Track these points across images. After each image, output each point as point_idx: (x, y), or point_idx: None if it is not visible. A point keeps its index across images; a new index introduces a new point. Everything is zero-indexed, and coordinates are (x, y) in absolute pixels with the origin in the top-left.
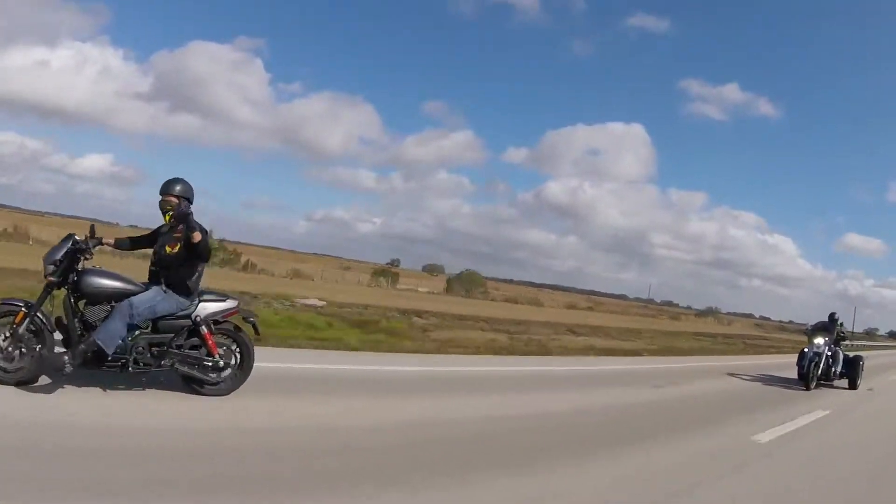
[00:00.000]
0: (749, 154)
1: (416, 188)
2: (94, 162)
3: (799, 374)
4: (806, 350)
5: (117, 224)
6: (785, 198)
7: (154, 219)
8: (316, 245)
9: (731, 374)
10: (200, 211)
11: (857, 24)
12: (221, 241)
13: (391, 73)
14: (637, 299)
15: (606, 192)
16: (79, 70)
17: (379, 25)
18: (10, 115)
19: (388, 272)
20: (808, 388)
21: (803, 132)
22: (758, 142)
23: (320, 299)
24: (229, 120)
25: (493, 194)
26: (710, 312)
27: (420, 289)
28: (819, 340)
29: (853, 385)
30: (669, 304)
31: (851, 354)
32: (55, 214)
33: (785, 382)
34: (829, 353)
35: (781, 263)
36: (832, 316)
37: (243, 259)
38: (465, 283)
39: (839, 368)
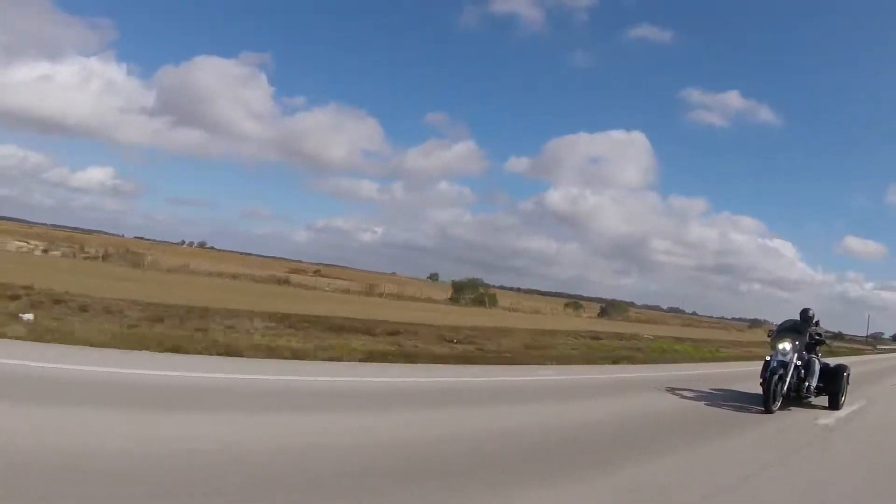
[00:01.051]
0: (749, 160)
1: (418, 198)
2: (95, 175)
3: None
4: (769, 359)
5: (122, 235)
6: (785, 202)
7: (152, 229)
8: (315, 255)
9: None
10: (199, 221)
11: (856, 29)
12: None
13: (395, 85)
14: (671, 309)
15: (608, 199)
16: (83, 85)
17: (383, 39)
18: (12, 129)
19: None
20: (768, 411)
21: (803, 137)
22: (758, 148)
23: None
24: (232, 133)
25: (495, 203)
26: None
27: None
28: (784, 346)
29: (834, 403)
30: (679, 311)
31: (833, 363)
32: (56, 227)
33: (744, 401)
34: (801, 363)
35: (782, 267)
36: (805, 313)
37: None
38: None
39: (815, 382)
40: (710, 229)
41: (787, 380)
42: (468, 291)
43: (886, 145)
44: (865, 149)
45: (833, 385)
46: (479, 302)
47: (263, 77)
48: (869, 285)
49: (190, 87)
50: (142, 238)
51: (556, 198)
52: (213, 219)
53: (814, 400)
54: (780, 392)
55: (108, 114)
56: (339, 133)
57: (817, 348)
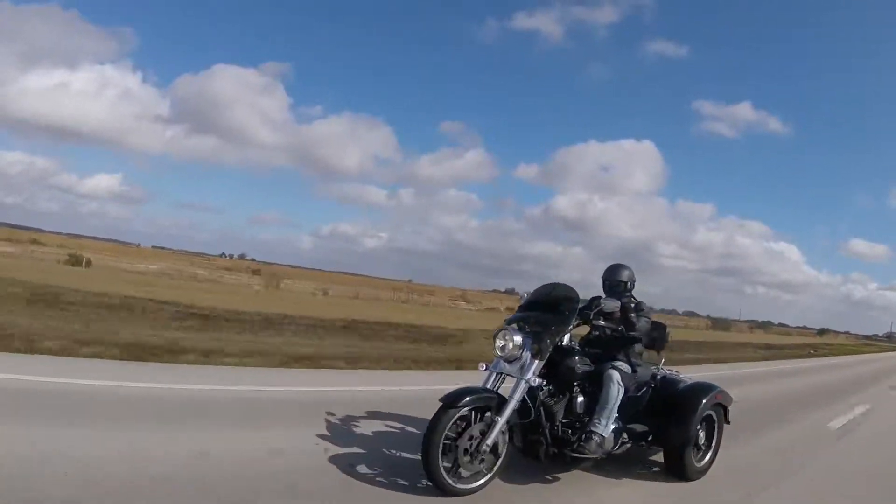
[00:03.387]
0: (757, 167)
1: (426, 204)
2: (103, 181)
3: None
4: (483, 367)
5: (139, 245)
6: (790, 206)
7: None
8: (320, 260)
9: None
10: (204, 226)
11: (862, 40)
12: None
13: (412, 96)
14: (687, 313)
15: (616, 205)
16: (98, 92)
17: (404, 51)
18: (25, 136)
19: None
20: (445, 491)
21: (810, 144)
22: (766, 156)
23: None
24: (246, 141)
25: (503, 210)
26: (764, 325)
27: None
28: (509, 341)
29: (676, 466)
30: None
31: (689, 380)
32: (57, 233)
33: None
34: (577, 383)
35: (787, 270)
36: (613, 275)
37: None
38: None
39: (608, 419)
40: (717, 233)
41: (503, 420)
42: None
43: (891, 149)
44: (870, 153)
45: (676, 426)
46: None
47: (281, 86)
48: (873, 286)
49: (206, 95)
50: (162, 248)
51: (563, 204)
52: (219, 225)
53: (614, 449)
54: (480, 451)
55: (123, 121)
56: (353, 141)
57: (631, 349)
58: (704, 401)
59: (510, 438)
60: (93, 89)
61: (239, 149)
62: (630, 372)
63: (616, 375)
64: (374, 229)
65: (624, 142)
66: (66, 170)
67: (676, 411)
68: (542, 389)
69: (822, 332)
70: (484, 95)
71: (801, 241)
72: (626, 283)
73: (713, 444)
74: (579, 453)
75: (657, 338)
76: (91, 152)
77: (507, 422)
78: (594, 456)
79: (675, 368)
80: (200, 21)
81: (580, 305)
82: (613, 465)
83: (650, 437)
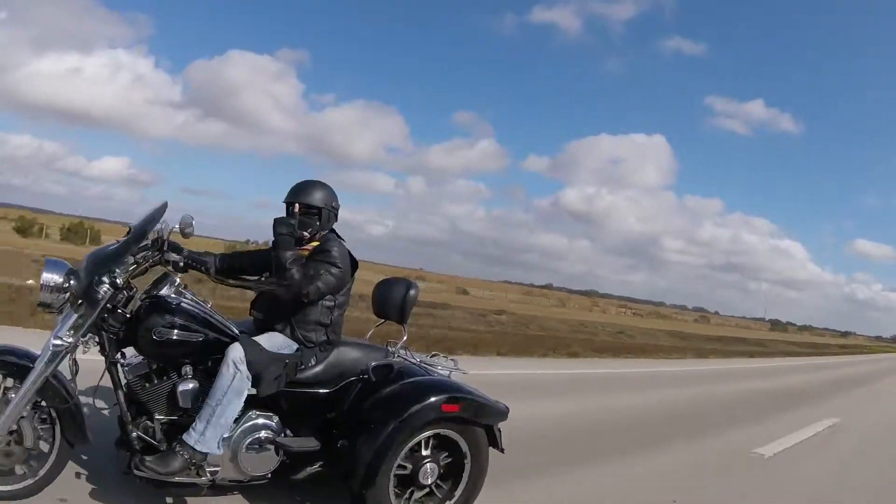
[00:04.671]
0: (766, 164)
1: (434, 193)
2: (110, 165)
3: None
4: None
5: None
6: (798, 205)
7: None
8: None
9: None
10: (209, 211)
11: (874, 41)
12: None
13: (427, 86)
14: (697, 308)
15: (624, 198)
16: (111, 77)
17: (421, 42)
18: (32, 119)
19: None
20: None
21: (821, 144)
22: (776, 153)
23: None
24: (257, 127)
25: (510, 200)
26: (778, 325)
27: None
28: (46, 280)
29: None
30: (703, 310)
31: (424, 375)
32: (61, 214)
33: None
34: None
35: (792, 267)
36: (298, 196)
37: None
38: None
39: (206, 423)
40: (723, 229)
41: (20, 398)
42: None
43: None
44: (879, 154)
45: (362, 448)
46: None
47: (294, 73)
48: (877, 286)
49: (219, 80)
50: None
51: (572, 196)
52: (224, 209)
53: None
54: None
55: (133, 105)
56: (364, 129)
57: (308, 313)
58: (416, 409)
59: (64, 429)
60: (105, 74)
61: (249, 135)
62: (287, 350)
63: (236, 354)
64: (380, 217)
65: (635, 135)
66: (74, 153)
67: (370, 424)
68: (126, 363)
69: (845, 334)
70: (498, 87)
71: (807, 240)
72: (319, 209)
73: (460, 488)
74: (143, 470)
75: (385, 303)
76: (100, 136)
77: (45, 404)
78: (171, 479)
79: (446, 355)
80: (218, 7)
81: (158, 228)
82: None
83: (319, 463)
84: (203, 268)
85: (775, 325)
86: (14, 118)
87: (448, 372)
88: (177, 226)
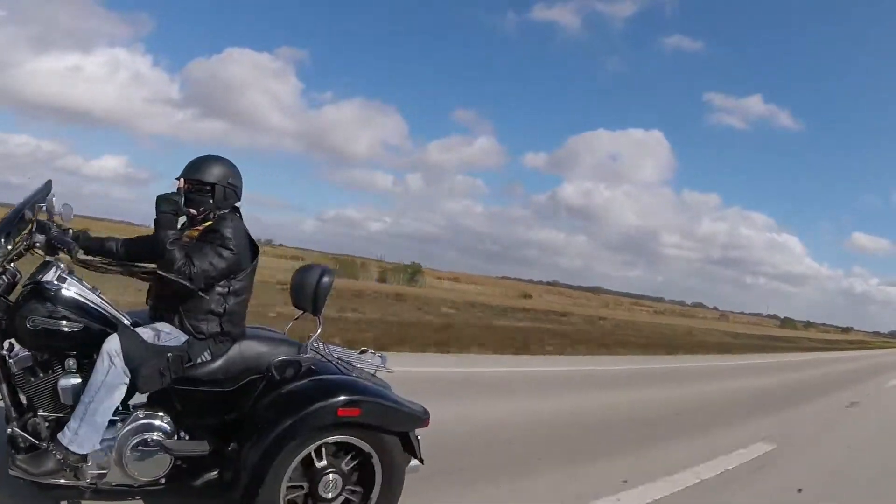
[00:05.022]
0: (764, 159)
1: (432, 190)
2: (108, 163)
3: None
4: None
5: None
6: (795, 199)
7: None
8: (321, 243)
9: None
10: None
11: (872, 37)
12: None
13: (427, 83)
14: (696, 304)
15: (622, 193)
16: (109, 76)
17: (422, 40)
18: (30, 118)
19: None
20: None
21: (818, 139)
22: (774, 148)
23: None
24: (256, 125)
25: (509, 196)
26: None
27: None
28: None
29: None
30: (701, 305)
31: (334, 373)
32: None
33: None
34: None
35: (789, 262)
36: (191, 173)
37: None
38: None
39: (80, 420)
40: (721, 224)
41: None
42: None
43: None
44: (876, 149)
45: (249, 452)
46: None
47: (293, 71)
48: (874, 280)
49: (217, 79)
50: None
51: (570, 191)
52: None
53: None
54: None
55: (132, 104)
56: (363, 127)
57: (198, 302)
58: (309, 412)
59: None
60: (103, 73)
61: (247, 133)
62: (173, 343)
63: (111, 346)
64: (378, 213)
65: (633, 131)
66: (72, 152)
67: (260, 426)
68: (13, 354)
69: (846, 329)
70: (497, 85)
71: (805, 234)
72: (213, 185)
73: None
74: (14, 470)
75: (299, 292)
76: (98, 135)
77: None
78: (45, 480)
79: (374, 351)
80: (217, 6)
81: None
82: None
83: (206, 470)
84: (66, 249)
85: (785, 322)
86: (11, 117)
87: (372, 371)
88: (44, 206)
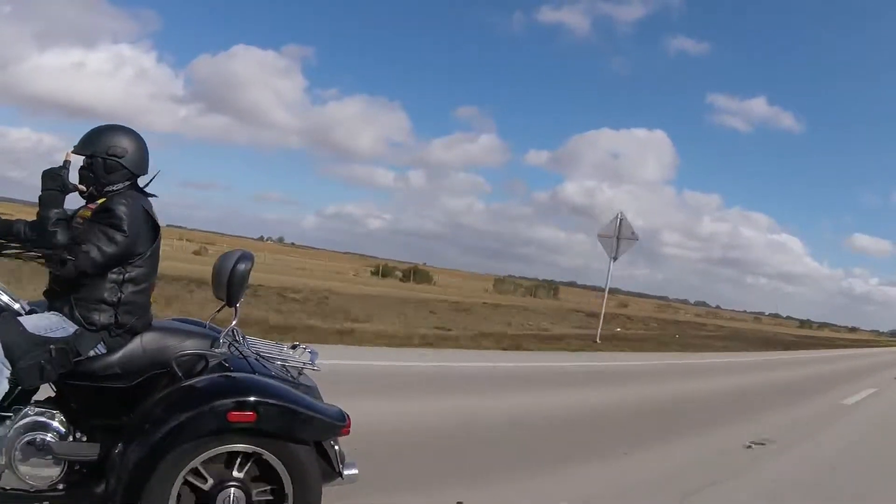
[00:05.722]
0: (766, 160)
1: (434, 187)
2: None
3: None
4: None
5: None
6: (796, 199)
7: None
8: (321, 240)
9: None
10: (207, 205)
11: (874, 39)
12: None
13: (432, 81)
14: (698, 303)
15: (623, 192)
16: (114, 72)
17: (428, 39)
18: (33, 113)
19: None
20: None
21: (821, 141)
22: (776, 150)
23: None
24: (260, 121)
25: (510, 194)
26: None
27: None
28: None
29: None
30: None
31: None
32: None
33: None
34: None
35: (789, 262)
36: (80, 145)
37: None
38: None
39: None
40: (722, 223)
41: None
42: None
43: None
44: (878, 150)
45: (131, 454)
46: None
47: (299, 68)
48: (874, 281)
49: (222, 75)
50: (215, 232)
51: (572, 190)
52: (224, 203)
53: None
54: None
55: (135, 100)
56: (366, 123)
57: (87, 290)
58: (193, 415)
59: None
60: (108, 69)
61: (251, 129)
62: (59, 333)
63: None
64: (379, 210)
65: (636, 130)
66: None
67: (143, 427)
68: None
69: (853, 329)
70: (501, 82)
71: (805, 234)
72: (101, 159)
73: None
74: None
75: (216, 280)
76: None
77: None
78: None
79: (306, 346)
80: (226, 4)
81: None
82: None
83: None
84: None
85: (803, 323)
86: (13, 112)
87: (300, 367)
88: None
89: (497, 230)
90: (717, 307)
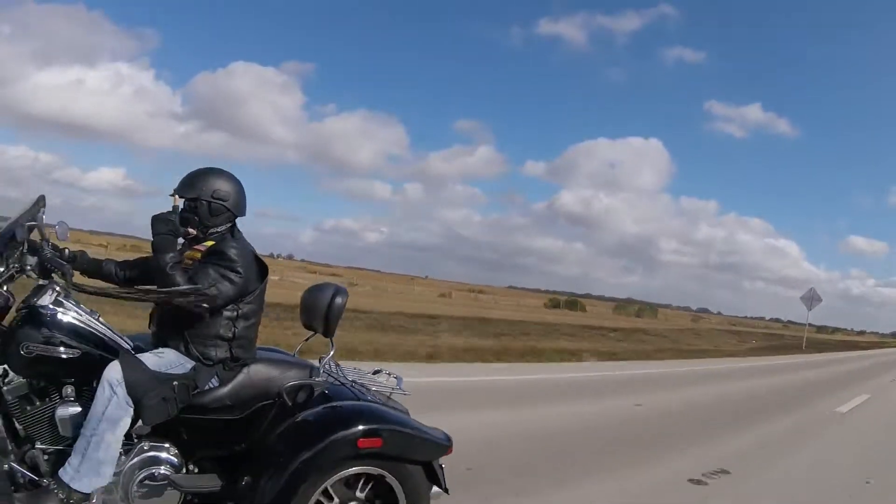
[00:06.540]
0: (762, 165)
1: (431, 200)
2: (106, 176)
3: None
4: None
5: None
6: (792, 204)
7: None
8: (318, 254)
9: None
10: None
11: (866, 43)
12: None
13: (431, 95)
14: (701, 310)
15: (620, 201)
16: (111, 91)
17: (426, 53)
18: (31, 131)
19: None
20: None
21: (817, 145)
22: (772, 155)
23: None
24: (258, 137)
25: (508, 205)
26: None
27: None
28: None
29: None
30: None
31: (350, 399)
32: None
33: None
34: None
35: (787, 266)
36: (182, 188)
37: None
38: None
39: (81, 456)
40: (719, 229)
41: None
42: None
43: (892, 148)
44: (871, 151)
45: (267, 486)
46: None
47: (297, 84)
48: (871, 282)
49: (221, 92)
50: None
51: (569, 199)
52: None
53: None
54: None
55: (134, 118)
56: (364, 138)
57: (205, 326)
58: (326, 445)
59: None
60: (107, 87)
61: (249, 145)
62: (178, 370)
63: (112, 375)
64: (376, 224)
65: (632, 139)
66: (70, 164)
67: (277, 459)
68: (6, 382)
69: (861, 332)
70: (501, 96)
71: (802, 238)
72: (206, 202)
73: None
74: None
75: (310, 312)
76: (99, 148)
77: None
78: None
79: (390, 372)
80: (223, 21)
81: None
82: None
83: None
84: (61, 271)
85: (820, 328)
86: (11, 130)
87: (389, 393)
88: (35, 223)
89: (495, 241)
90: (719, 313)
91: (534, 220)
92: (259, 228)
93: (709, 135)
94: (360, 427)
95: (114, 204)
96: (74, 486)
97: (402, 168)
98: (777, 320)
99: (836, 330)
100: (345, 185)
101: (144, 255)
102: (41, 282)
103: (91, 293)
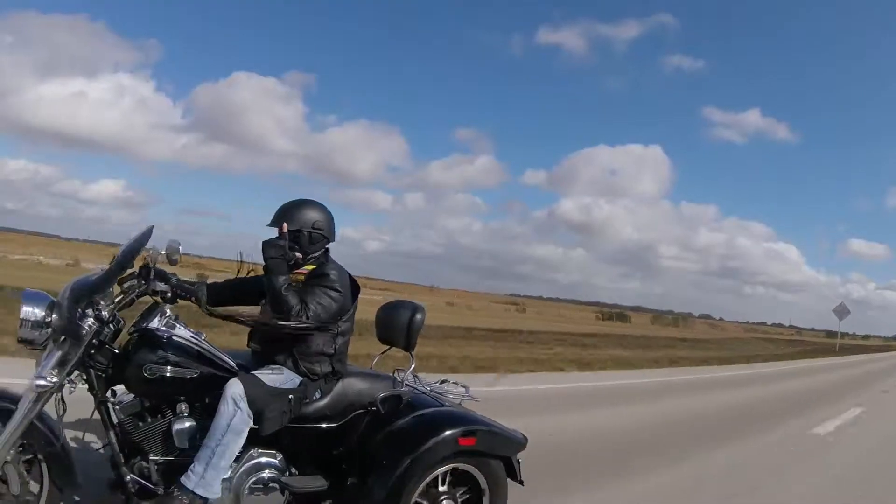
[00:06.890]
0: (762, 170)
1: (431, 208)
2: (107, 187)
3: None
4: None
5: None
6: (792, 208)
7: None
8: None
9: None
10: (205, 231)
11: (864, 48)
12: None
13: (431, 104)
14: (703, 316)
15: (620, 208)
16: (114, 102)
17: (428, 63)
18: (31, 143)
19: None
20: None
21: (815, 150)
22: (771, 159)
23: None
24: (259, 148)
25: (508, 213)
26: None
27: None
28: (26, 313)
29: None
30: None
31: (435, 406)
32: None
33: None
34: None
35: (787, 270)
36: (284, 217)
37: None
38: None
39: (205, 465)
40: (719, 234)
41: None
42: None
43: (890, 150)
44: (870, 155)
45: (374, 486)
46: None
47: (299, 94)
48: (871, 285)
49: (222, 103)
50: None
51: (569, 207)
52: (222, 229)
53: None
54: None
55: (134, 129)
56: (365, 148)
57: (307, 344)
58: (431, 444)
59: (52, 473)
60: (108, 98)
61: (250, 156)
62: (290, 385)
63: (236, 391)
64: (377, 233)
65: (632, 146)
66: (70, 176)
67: (382, 460)
68: (117, 401)
69: (865, 337)
70: (501, 104)
71: (802, 242)
72: (307, 233)
73: None
74: None
75: (390, 328)
76: (99, 160)
77: (31, 448)
78: None
79: (457, 381)
80: (225, 32)
81: (145, 254)
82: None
83: (328, 503)
84: (193, 298)
85: (830, 334)
86: (11, 142)
87: (459, 400)
88: (163, 252)
89: (495, 249)
90: (721, 319)
91: (534, 228)
92: (260, 237)
93: (708, 141)
94: (459, 428)
95: (114, 215)
96: (198, 492)
97: (402, 177)
98: (779, 325)
99: (843, 335)
100: (345, 195)
101: (232, 278)
102: (162, 304)
103: (223, 318)
